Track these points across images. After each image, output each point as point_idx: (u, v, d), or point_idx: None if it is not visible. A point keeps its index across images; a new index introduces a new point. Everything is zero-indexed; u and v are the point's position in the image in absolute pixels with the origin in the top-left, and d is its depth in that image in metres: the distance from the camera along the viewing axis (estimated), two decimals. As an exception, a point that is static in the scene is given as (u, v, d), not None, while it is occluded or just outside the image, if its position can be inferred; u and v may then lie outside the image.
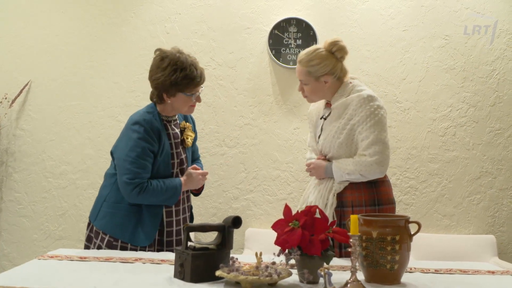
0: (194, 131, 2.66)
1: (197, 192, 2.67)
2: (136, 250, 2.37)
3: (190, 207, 2.62)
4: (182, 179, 2.48)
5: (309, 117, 2.59)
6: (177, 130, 2.53)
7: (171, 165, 2.46)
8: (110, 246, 2.38)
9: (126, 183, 2.32)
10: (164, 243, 2.45)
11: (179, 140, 2.52)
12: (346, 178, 2.33)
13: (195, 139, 2.66)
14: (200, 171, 2.57)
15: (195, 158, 2.72)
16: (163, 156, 2.41)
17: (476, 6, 3.98)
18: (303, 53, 2.44)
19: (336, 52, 2.40)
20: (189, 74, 2.39)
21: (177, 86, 2.38)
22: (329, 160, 2.41)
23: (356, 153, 2.33)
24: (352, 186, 2.35)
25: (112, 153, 2.49)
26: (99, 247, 2.40)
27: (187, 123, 2.60)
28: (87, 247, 2.46)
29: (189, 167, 2.57)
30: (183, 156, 2.53)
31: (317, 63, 2.38)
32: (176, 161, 2.48)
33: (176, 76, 2.37)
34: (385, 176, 2.41)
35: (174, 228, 2.47)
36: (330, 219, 2.31)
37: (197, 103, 2.51)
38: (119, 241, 2.38)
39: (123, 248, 2.37)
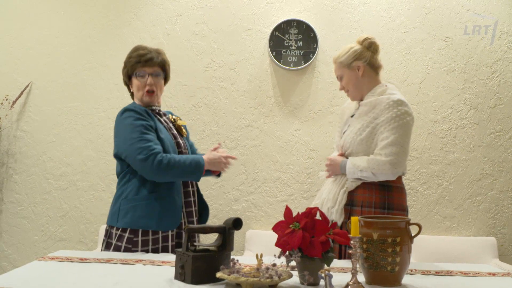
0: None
1: (217, 173, 2.61)
2: (158, 237, 2.32)
3: (201, 196, 2.58)
4: (205, 156, 2.42)
5: (341, 114, 2.64)
6: (166, 118, 2.53)
7: (176, 144, 2.44)
8: (131, 243, 2.31)
9: (143, 160, 2.27)
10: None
11: (168, 126, 2.50)
12: (358, 175, 2.34)
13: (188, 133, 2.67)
14: (225, 153, 2.49)
15: (194, 151, 2.68)
16: (163, 132, 2.40)
17: (476, 8, 3.98)
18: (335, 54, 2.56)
19: (364, 42, 2.49)
20: (136, 53, 2.43)
21: (128, 68, 2.44)
22: (347, 157, 2.42)
23: (374, 152, 2.34)
24: (365, 186, 2.35)
25: (115, 156, 2.45)
26: (116, 248, 2.33)
27: (171, 116, 2.60)
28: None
29: (212, 148, 2.51)
30: (181, 141, 2.49)
31: (346, 52, 2.48)
32: (176, 141, 2.46)
33: (127, 57, 2.45)
34: (400, 183, 2.41)
35: (194, 218, 2.47)
36: (339, 216, 2.32)
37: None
38: (140, 233, 2.31)
39: (144, 242, 2.31)
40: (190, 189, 2.47)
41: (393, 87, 2.47)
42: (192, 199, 2.49)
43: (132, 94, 2.55)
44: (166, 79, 2.55)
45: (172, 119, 2.58)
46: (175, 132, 2.50)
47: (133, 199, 2.36)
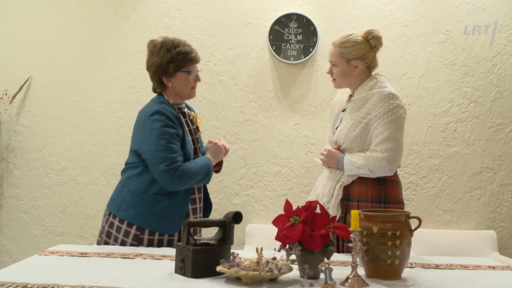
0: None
1: (217, 169, 2.67)
2: (163, 239, 2.35)
3: (207, 194, 2.62)
4: (208, 153, 2.51)
5: (332, 108, 2.61)
6: (188, 119, 2.54)
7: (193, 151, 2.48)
8: (137, 240, 2.33)
9: (165, 171, 2.29)
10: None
11: (192, 128, 2.54)
12: (355, 172, 2.34)
13: None
14: (220, 142, 2.58)
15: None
16: (186, 142, 2.41)
17: (476, 1, 3.97)
18: (339, 36, 2.47)
19: (371, 40, 2.42)
20: (182, 50, 2.43)
21: (174, 63, 2.41)
22: (342, 151, 2.42)
23: (369, 148, 2.33)
24: (360, 181, 2.35)
25: (134, 151, 2.44)
26: (122, 243, 2.34)
27: (193, 113, 2.61)
28: (106, 243, 2.39)
29: (208, 141, 2.59)
30: (197, 145, 2.54)
31: (351, 45, 2.41)
32: (195, 146, 2.50)
33: (171, 54, 2.41)
34: (396, 176, 2.40)
35: (198, 215, 2.50)
36: (336, 211, 2.32)
37: (198, 94, 2.51)
38: (146, 232, 2.34)
39: (150, 241, 2.34)
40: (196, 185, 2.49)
41: (384, 79, 2.44)
42: (197, 195, 2.51)
43: (159, 86, 2.49)
44: None
45: (192, 116, 2.58)
46: (193, 137, 2.52)
47: (139, 195, 2.38)
